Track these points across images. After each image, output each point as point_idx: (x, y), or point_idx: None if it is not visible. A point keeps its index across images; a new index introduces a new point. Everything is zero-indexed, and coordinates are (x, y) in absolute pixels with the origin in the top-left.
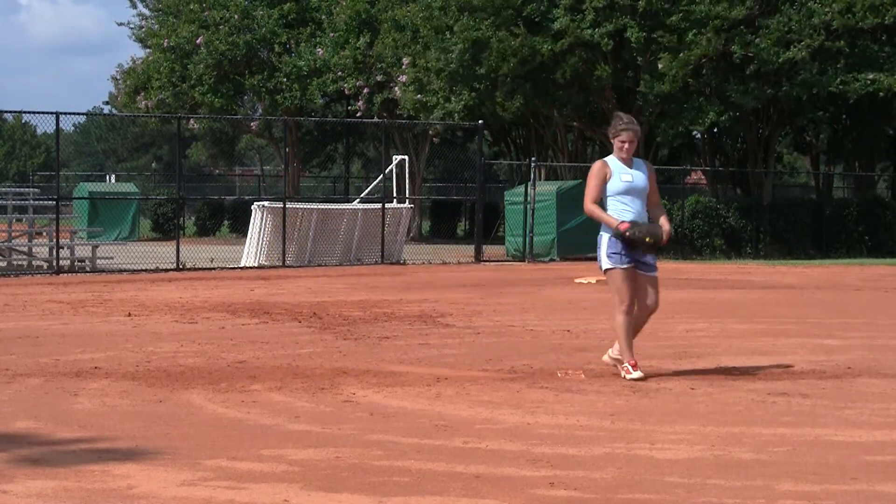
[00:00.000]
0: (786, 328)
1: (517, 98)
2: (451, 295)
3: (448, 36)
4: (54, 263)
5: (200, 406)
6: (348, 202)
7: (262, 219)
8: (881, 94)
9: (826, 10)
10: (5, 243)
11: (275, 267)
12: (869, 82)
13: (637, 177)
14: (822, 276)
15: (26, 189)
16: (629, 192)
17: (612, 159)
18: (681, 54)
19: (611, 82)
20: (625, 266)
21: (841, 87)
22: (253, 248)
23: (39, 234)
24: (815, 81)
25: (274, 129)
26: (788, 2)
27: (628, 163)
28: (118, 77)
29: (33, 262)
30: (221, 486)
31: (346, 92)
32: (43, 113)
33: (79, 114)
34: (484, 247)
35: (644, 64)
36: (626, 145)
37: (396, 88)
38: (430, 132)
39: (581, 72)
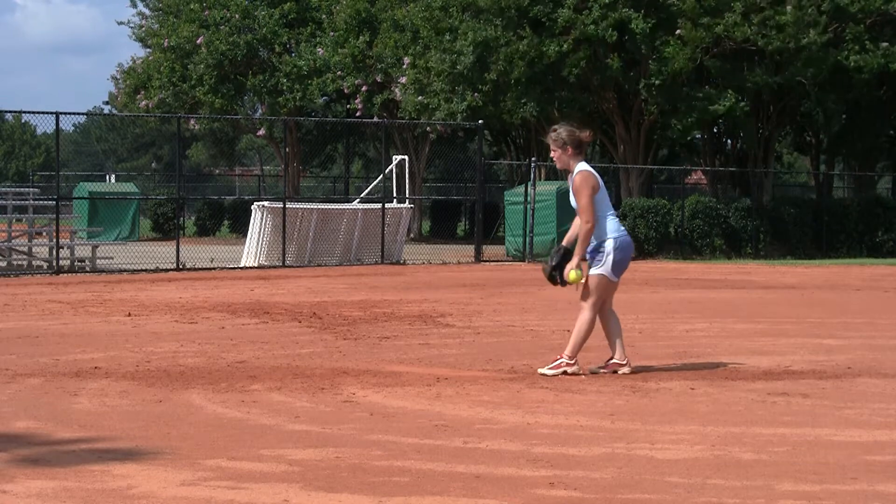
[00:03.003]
0: (786, 328)
1: (529, 105)
2: (451, 295)
3: (448, 37)
4: (54, 263)
5: (200, 406)
6: (348, 202)
7: (262, 219)
8: (893, 67)
9: None
10: (5, 243)
11: (275, 267)
12: (883, 55)
13: (570, 192)
14: (822, 276)
15: (26, 189)
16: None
17: None
18: (701, 30)
19: (620, 76)
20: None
21: (854, 63)
22: (253, 248)
23: (39, 234)
24: (822, 57)
25: (274, 130)
26: None
27: (571, 173)
28: (118, 77)
29: (33, 262)
30: (221, 486)
31: (346, 91)
32: (43, 113)
33: (79, 114)
34: (484, 247)
35: (648, 53)
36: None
37: (397, 90)
38: (428, 129)
39: (586, 69)
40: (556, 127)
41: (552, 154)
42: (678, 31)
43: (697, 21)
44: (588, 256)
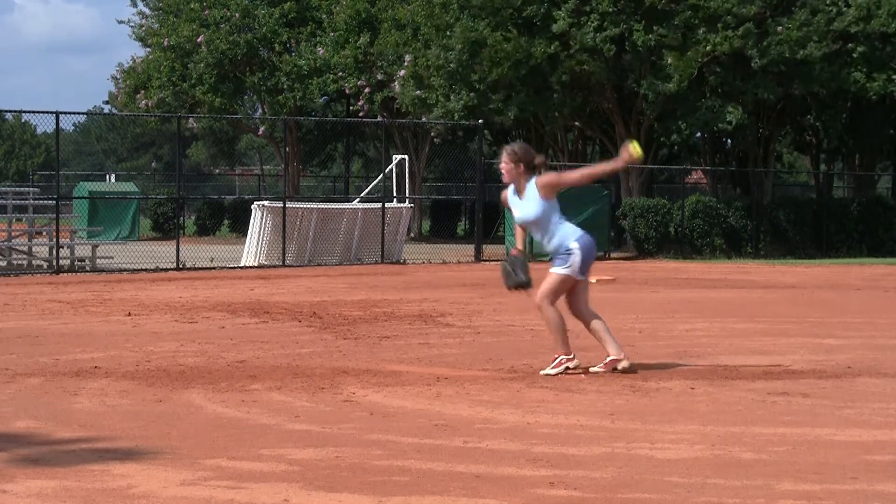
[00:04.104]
0: (786, 328)
1: (513, 105)
2: (451, 294)
3: (449, 34)
4: (54, 263)
5: (200, 406)
6: (348, 202)
7: (262, 218)
8: None
9: (843, 15)
10: (5, 243)
11: (275, 266)
12: (886, 82)
13: (523, 209)
14: (822, 276)
15: (26, 189)
16: (523, 225)
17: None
18: (689, 52)
19: (608, 81)
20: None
21: (857, 86)
22: (253, 248)
23: (39, 233)
24: (829, 77)
25: (274, 129)
26: (800, 5)
27: (520, 191)
28: (118, 76)
29: (33, 262)
30: (221, 485)
31: (347, 91)
32: (43, 112)
33: (79, 113)
34: (484, 246)
35: (645, 69)
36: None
37: (396, 84)
38: (432, 133)
39: (578, 73)
40: (513, 144)
41: (503, 167)
42: (671, 60)
43: (690, 38)
44: (553, 259)
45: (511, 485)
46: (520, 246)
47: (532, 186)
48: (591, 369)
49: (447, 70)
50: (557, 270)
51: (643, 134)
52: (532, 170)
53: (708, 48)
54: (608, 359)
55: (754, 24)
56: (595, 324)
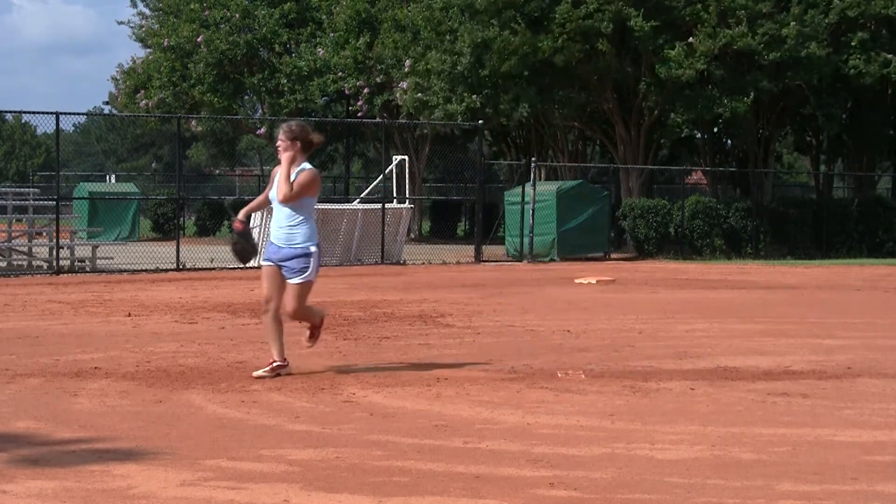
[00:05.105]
0: (786, 328)
1: (522, 106)
2: (451, 295)
3: (449, 38)
4: (54, 263)
5: (200, 406)
6: (348, 202)
7: (262, 219)
8: (894, 77)
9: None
10: (5, 243)
11: None
12: (883, 63)
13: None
14: (822, 276)
15: (26, 189)
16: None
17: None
18: (709, 41)
19: (612, 67)
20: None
21: (854, 70)
22: None
23: (39, 234)
24: (826, 62)
25: (274, 130)
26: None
27: (289, 171)
28: (118, 77)
29: (33, 263)
30: (221, 486)
31: (347, 92)
32: (43, 113)
33: (79, 114)
34: (484, 247)
35: (649, 53)
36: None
37: (397, 94)
38: (425, 129)
39: (582, 62)
40: (290, 122)
41: (279, 144)
42: (690, 40)
43: (711, 31)
44: (289, 265)
45: (511, 485)
46: (242, 217)
47: (300, 169)
48: (256, 373)
49: (451, 74)
50: (298, 281)
51: (643, 134)
52: (308, 148)
53: (725, 41)
54: (274, 363)
55: (765, 19)
56: (279, 327)
